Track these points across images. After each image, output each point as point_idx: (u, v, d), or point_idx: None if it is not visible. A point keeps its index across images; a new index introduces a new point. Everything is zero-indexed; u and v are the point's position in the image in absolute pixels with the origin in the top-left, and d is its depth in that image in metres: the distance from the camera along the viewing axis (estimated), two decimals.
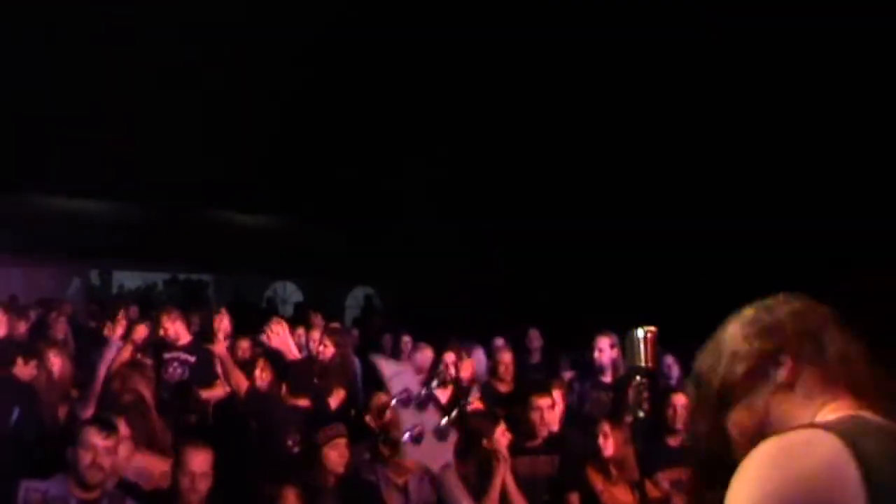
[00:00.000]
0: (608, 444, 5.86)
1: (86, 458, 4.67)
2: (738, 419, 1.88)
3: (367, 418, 6.35)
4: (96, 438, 4.71)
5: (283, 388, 6.64)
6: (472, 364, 8.10)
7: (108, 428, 4.82)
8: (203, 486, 4.89)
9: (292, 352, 7.06)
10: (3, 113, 17.24)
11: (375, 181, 19.71)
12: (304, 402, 6.61)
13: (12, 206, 17.94)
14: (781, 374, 1.84)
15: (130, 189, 19.17)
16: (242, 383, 6.71)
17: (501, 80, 16.87)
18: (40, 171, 18.11)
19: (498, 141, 17.72)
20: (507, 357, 8.24)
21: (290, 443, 6.17)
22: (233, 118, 18.70)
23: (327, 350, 8.36)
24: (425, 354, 8.40)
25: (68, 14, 17.11)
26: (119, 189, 19.18)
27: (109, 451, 4.76)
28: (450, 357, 7.94)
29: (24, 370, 7.52)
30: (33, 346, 8.07)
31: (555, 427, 6.46)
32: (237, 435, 6.87)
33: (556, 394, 6.75)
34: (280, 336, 7.01)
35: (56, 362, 7.65)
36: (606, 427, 5.94)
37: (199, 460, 4.91)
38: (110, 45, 17.51)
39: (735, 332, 1.94)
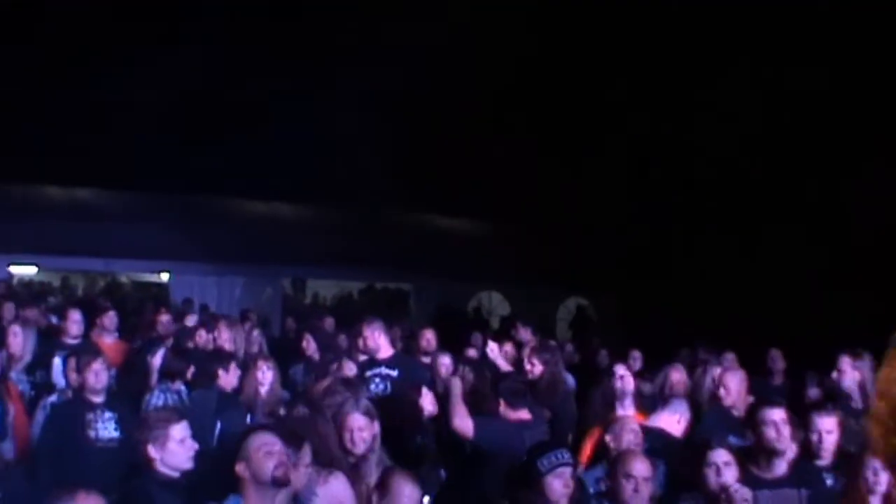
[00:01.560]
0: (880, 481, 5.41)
1: (268, 462, 4.77)
2: None
3: (608, 437, 6.32)
4: (273, 445, 4.83)
5: (501, 404, 6.78)
6: None
7: (291, 439, 4.99)
8: None
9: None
10: (198, 119, 18.30)
11: (586, 186, 19.72)
12: (524, 416, 6.73)
13: (204, 212, 18.88)
14: None
15: (326, 192, 19.85)
16: (467, 422, 6.82)
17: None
18: (233, 174, 19.02)
19: (736, 148, 17.52)
20: (734, 379, 7.91)
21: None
22: (436, 116, 19.12)
23: (535, 369, 8.44)
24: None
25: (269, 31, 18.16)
26: (314, 192, 19.90)
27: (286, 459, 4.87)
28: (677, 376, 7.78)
29: (226, 381, 7.93)
30: (233, 356, 8.46)
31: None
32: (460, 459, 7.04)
33: (830, 421, 6.38)
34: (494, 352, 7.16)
35: (267, 375, 8.04)
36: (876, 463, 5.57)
37: (409, 494, 5.00)
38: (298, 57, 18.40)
39: None
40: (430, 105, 19.62)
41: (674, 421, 7.11)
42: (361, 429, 5.88)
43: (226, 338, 9.71)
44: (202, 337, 10.09)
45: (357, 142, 19.66)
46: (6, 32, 18.58)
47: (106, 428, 7.08)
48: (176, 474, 5.33)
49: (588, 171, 19.60)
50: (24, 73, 18.95)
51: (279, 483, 4.79)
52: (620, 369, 7.80)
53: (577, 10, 18.82)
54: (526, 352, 9.09)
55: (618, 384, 7.65)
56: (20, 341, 8.82)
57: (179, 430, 5.36)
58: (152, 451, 5.30)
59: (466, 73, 19.70)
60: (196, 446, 5.45)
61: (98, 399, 7.16)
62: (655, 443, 6.67)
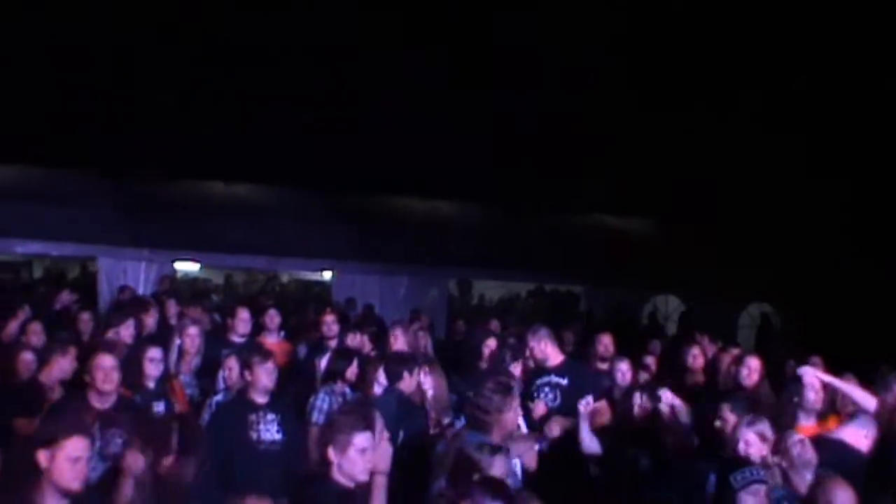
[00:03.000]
0: None
1: None
2: None
3: (775, 458, 6.16)
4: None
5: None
6: None
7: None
8: None
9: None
10: (362, 118, 18.67)
11: (773, 188, 19.35)
12: None
13: (368, 211, 19.20)
14: None
15: (492, 190, 19.94)
16: None
17: None
18: (399, 173, 19.29)
19: None
20: None
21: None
22: (610, 111, 19.03)
23: (752, 376, 8.32)
24: None
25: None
26: (480, 190, 20.01)
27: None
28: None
29: (407, 384, 8.03)
30: (415, 360, 8.54)
31: None
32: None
33: None
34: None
35: (427, 379, 8.12)
36: None
37: None
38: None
39: None
40: (602, 100, 19.53)
41: (861, 436, 6.87)
42: None
43: (401, 340, 9.83)
44: (355, 339, 10.22)
45: (525, 140, 19.70)
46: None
47: (268, 430, 7.24)
48: (350, 484, 5.39)
49: (778, 171, 19.21)
50: (188, 72, 19.64)
51: None
52: None
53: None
54: (729, 358, 8.96)
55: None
56: (198, 343, 9.17)
57: (362, 440, 5.40)
58: (332, 454, 5.39)
59: (638, 66, 19.56)
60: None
61: (262, 400, 7.33)
62: (835, 455, 6.47)
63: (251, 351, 7.80)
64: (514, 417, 6.64)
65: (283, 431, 7.31)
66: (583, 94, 19.44)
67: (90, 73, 19.08)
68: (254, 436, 7.19)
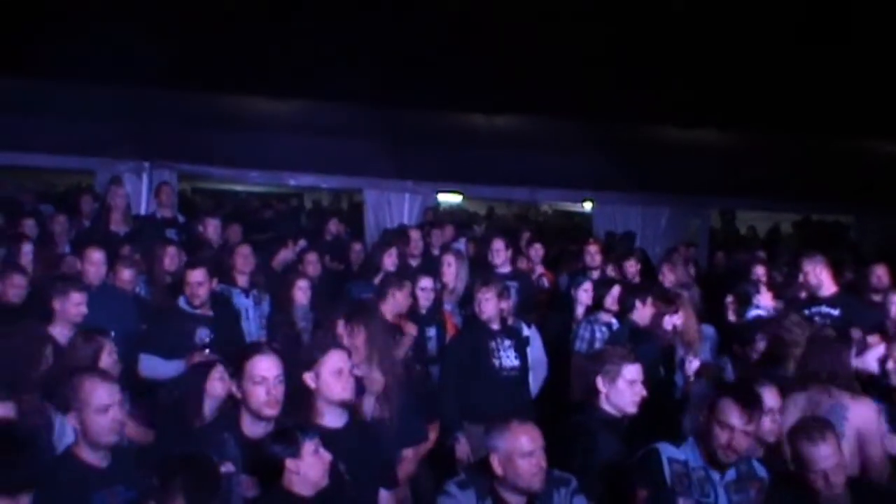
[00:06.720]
0: None
1: (721, 436, 4.79)
2: None
3: None
4: (735, 418, 4.80)
5: None
6: None
7: (753, 406, 4.91)
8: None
9: None
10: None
11: None
12: None
13: (629, 141, 18.99)
14: None
15: (756, 116, 19.40)
16: None
17: None
18: (654, 101, 19.00)
19: None
20: None
21: None
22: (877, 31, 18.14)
23: None
24: None
25: None
26: (743, 116, 19.52)
27: (747, 434, 4.86)
28: None
29: (640, 314, 8.05)
30: (647, 290, 8.53)
31: None
32: None
33: None
34: None
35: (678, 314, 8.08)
36: None
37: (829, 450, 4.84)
38: None
39: None
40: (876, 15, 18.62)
41: None
42: None
43: (669, 276, 9.83)
44: (632, 267, 10.27)
45: (786, 63, 19.07)
46: None
47: (508, 356, 7.48)
48: (618, 414, 5.50)
49: None
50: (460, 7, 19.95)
51: (719, 461, 4.84)
52: None
53: None
54: None
55: None
56: (454, 271, 9.38)
57: (632, 372, 5.53)
58: (601, 384, 5.49)
59: None
60: (645, 393, 5.57)
61: (496, 326, 7.58)
62: None
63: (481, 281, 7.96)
64: None
65: (519, 357, 7.52)
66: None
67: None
68: (496, 363, 7.40)
